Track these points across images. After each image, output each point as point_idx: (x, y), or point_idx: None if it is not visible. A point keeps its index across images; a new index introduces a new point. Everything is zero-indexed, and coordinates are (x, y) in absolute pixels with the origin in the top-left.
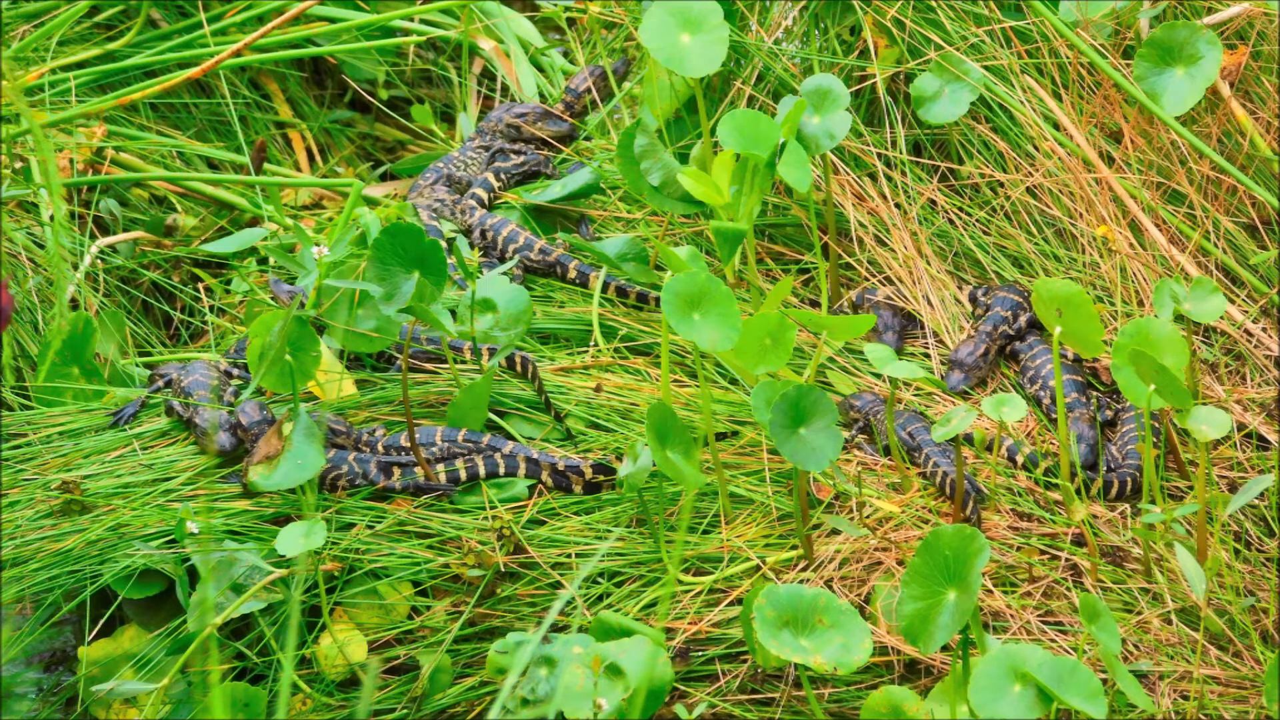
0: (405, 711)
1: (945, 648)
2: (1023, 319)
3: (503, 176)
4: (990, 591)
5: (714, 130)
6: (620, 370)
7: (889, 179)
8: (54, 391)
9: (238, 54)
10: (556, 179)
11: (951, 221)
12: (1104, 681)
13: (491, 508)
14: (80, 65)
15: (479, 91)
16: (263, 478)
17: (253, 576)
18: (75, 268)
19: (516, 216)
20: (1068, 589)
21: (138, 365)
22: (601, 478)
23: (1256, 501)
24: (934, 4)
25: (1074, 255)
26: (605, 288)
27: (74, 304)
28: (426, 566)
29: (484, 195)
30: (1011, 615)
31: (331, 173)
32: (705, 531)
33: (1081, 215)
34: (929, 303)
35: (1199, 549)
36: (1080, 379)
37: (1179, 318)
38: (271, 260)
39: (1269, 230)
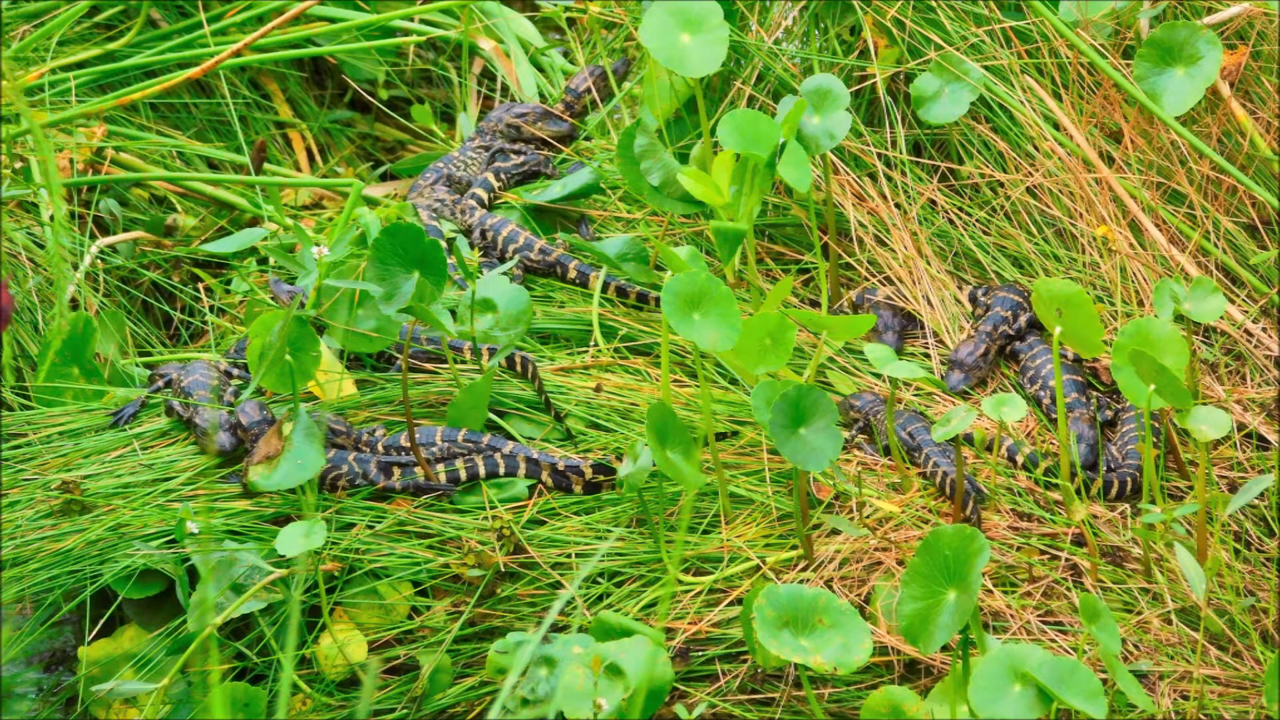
0: (405, 711)
1: (945, 648)
2: (1023, 319)
3: (503, 176)
4: (990, 591)
5: (714, 130)
6: (620, 370)
7: (889, 179)
8: (54, 391)
9: (238, 54)
10: (556, 179)
11: (951, 221)
12: (1104, 681)
13: (491, 508)
14: (80, 65)
15: (479, 91)
16: (263, 478)
17: (253, 576)
18: (75, 268)
19: (516, 216)
20: (1068, 589)
21: (138, 365)
22: (601, 478)
23: (1256, 501)
24: (934, 4)
25: (1074, 255)
26: (605, 288)
27: (74, 304)
28: (426, 566)
29: (484, 195)
30: (1011, 615)
31: (331, 173)
32: (705, 531)
33: (1081, 215)
34: (929, 303)
35: (1199, 549)
36: (1080, 379)
37: (1179, 318)
38: (271, 260)
39: (1269, 230)
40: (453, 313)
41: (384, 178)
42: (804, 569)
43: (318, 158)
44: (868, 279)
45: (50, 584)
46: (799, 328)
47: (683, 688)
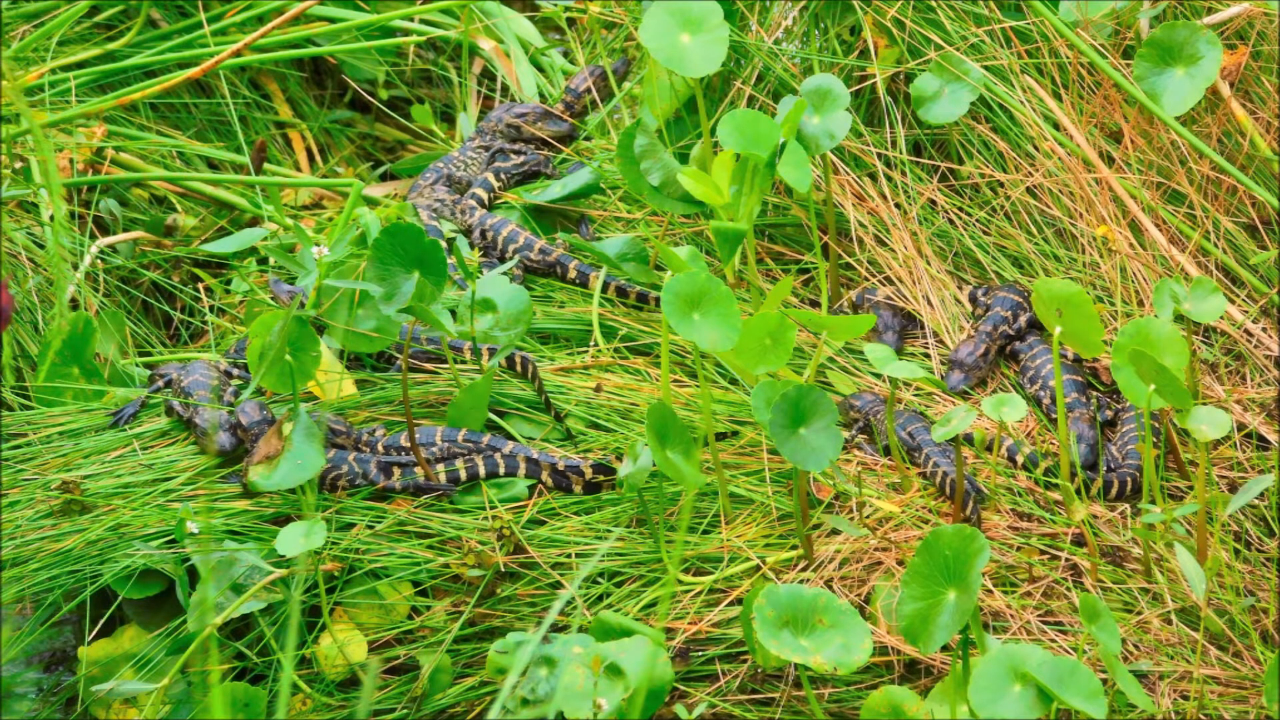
0: (405, 711)
1: (945, 648)
2: (1023, 319)
3: (503, 176)
4: (990, 591)
5: (714, 130)
6: (620, 370)
7: (889, 179)
8: (54, 391)
9: (238, 54)
10: (556, 179)
11: (951, 221)
12: (1104, 681)
13: (491, 508)
14: (80, 65)
15: (479, 91)
16: (263, 478)
17: (253, 576)
18: (75, 268)
19: (516, 216)
20: (1068, 589)
21: (138, 365)
22: (601, 478)
23: (1256, 501)
24: (934, 4)
25: (1074, 255)
26: (605, 288)
27: (74, 304)
28: (426, 566)
29: (484, 195)
30: (1011, 615)
31: (331, 173)
32: (705, 531)
33: (1081, 215)
34: (929, 303)
35: (1199, 549)
36: (1080, 379)
37: (1179, 318)
38: (271, 260)
39: (1269, 230)
40: (453, 313)
41: (384, 178)
42: (804, 569)
43: (318, 158)
44: (868, 279)
45: (50, 584)
46: (799, 328)
47: (683, 688)
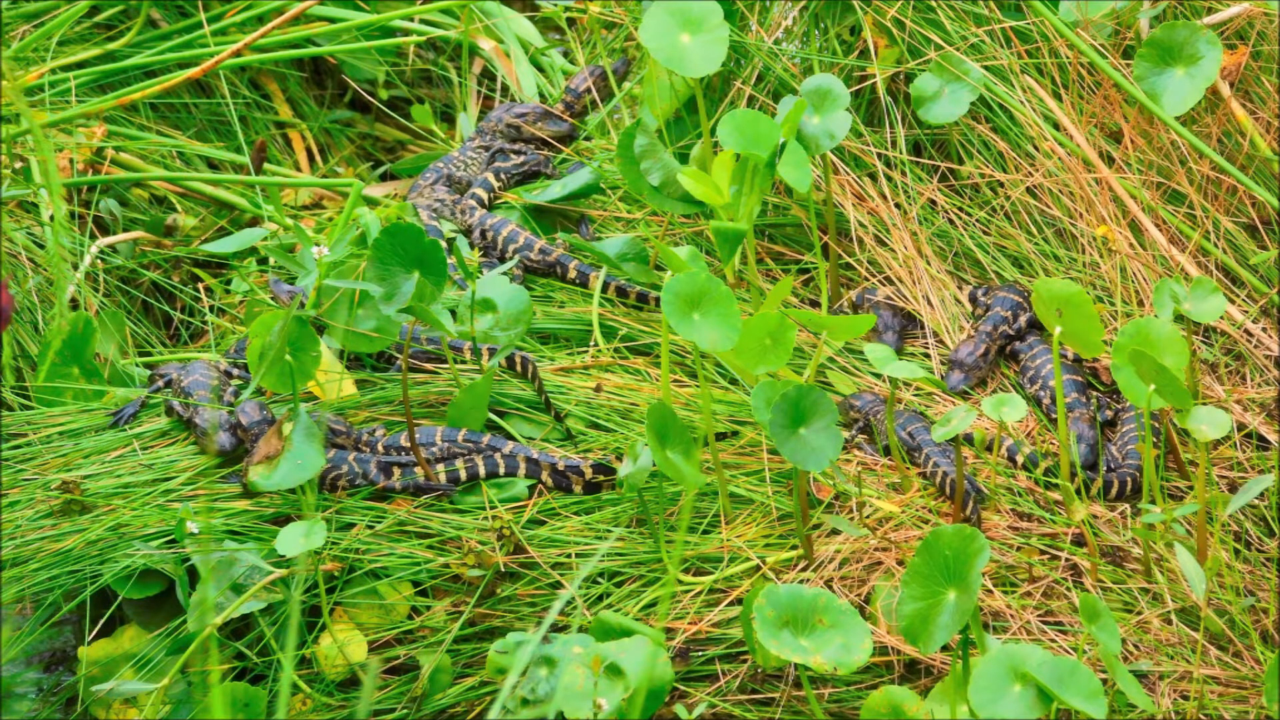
0: (405, 711)
1: (945, 648)
2: (1023, 319)
3: (503, 176)
4: (990, 591)
5: (714, 130)
6: (620, 370)
7: (889, 179)
8: (54, 391)
9: (238, 54)
10: (556, 179)
11: (951, 221)
12: (1104, 681)
13: (491, 508)
14: (80, 65)
15: (479, 91)
16: (263, 478)
17: (253, 576)
18: (75, 268)
19: (516, 216)
20: (1068, 589)
21: (138, 365)
22: (601, 478)
23: (1256, 501)
24: (934, 4)
25: (1074, 255)
26: (605, 288)
27: (74, 304)
28: (426, 566)
29: (484, 195)
30: (1011, 615)
31: (331, 173)
32: (705, 531)
33: (1081, 215)
34: (929, 303)
35: (1199, 549)
36: (1080, 379)
37: (1179, 318)
38: (271, 260)
39: (1269, 230)
40: (453, 313)
41: (384, 178)
42: (804, 569)
43: (318, 158)
44: (868, 279)
45: (50, 584)
46: (799, 328)
47: (683, 688)
